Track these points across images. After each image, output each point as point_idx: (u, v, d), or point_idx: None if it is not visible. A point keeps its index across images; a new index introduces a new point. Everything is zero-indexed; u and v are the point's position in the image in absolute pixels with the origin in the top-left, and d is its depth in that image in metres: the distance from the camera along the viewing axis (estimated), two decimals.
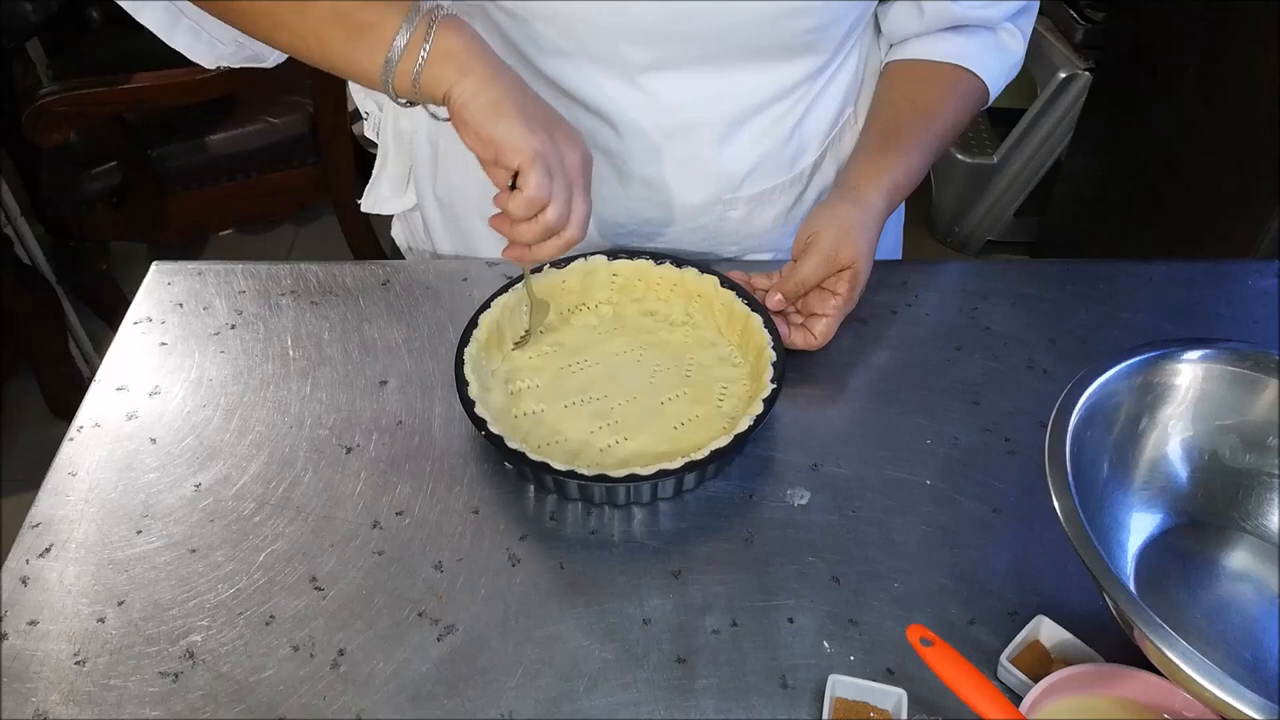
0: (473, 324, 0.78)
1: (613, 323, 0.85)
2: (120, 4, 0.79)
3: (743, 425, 0.70)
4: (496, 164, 0.68)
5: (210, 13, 0.76)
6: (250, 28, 0.73)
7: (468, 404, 0.72)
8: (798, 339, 0.82)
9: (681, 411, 0.77)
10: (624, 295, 0.86)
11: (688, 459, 0.68)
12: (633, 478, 0.67)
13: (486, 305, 0.80)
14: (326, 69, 0.73)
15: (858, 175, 0.85)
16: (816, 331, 0.82)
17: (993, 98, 0.92)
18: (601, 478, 0.67)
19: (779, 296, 0.82)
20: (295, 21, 0.70)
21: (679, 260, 0.84)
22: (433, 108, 0.70)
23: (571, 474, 0.67)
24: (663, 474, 0.68)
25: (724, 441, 0.69)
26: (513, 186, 0.68)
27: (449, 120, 0.69)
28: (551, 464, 0.68)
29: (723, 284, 0.82)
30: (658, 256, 0.85)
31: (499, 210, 0.70)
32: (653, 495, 0.72)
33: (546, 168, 0.67)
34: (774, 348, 0.76)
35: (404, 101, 0.70)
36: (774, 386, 0.73)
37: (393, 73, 0.68)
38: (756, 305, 0.80)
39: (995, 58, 0.90)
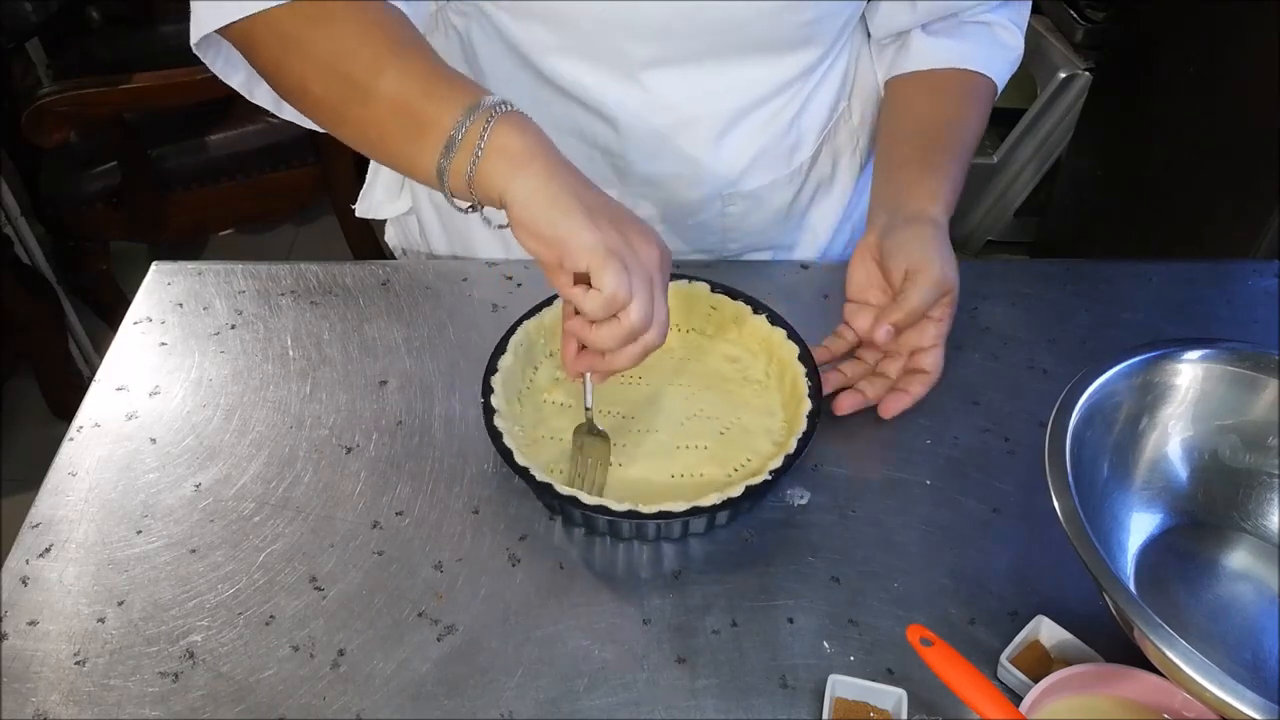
0: (543, 305, 0.78)
1: (692, 351, 0.81)
2: (260, 104, 0.79)
3: (705, 500, 0.66)
4: (561, 267, 0.61)
5: (301, 112, 0.73)
6: (322, 123, 0.70)
7: (487, 391, 0.72)
8: (892, 404, 0.77)
9: (690, 464, 0.73)
10: (719, 333, 0.82)
11: (659, 509, 0.65)
12: (634, 515, 0.65)
13: (542, 307, 0.78)
14: (392, 168, 0.70)
15: (918, 201, 0.81)
16: (927, 365, 0.77)
17: (999, 93, 0.92)
18: (599, 508, 0.65)
19: (888, 328, 0.75)
20: (359, 115, 0.66)
21: (775, 316, 0.79)
22: (489, 212, 0.65)
23: (546, 487, 0.66)
24: (634, 515, 0.65)
25: (679, 506, 0.65)
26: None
27: (506, 226, 0.64)
28: (556, 487, 0.66)
29: (802, 357, 0.76)
30: (757, 305, 0.80)
31: (570, 321, 0.65)
32: (634, 534, 0.70)
33: (621, 263, 0.60)
34: (800, 438, 0.70)
35: (465, 207, 0.65)
36: (766, 478, 0.67)
37: (447, 171, 0.63)
38: (817, 394, 0.73)
39: (997, 54, 0.90)
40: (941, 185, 0.82)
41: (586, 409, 0.72)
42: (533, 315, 0.78)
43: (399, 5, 0.69)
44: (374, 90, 0.64)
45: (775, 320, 0.79)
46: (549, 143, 0.64)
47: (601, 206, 0.62)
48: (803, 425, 0.71)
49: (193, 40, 0.71)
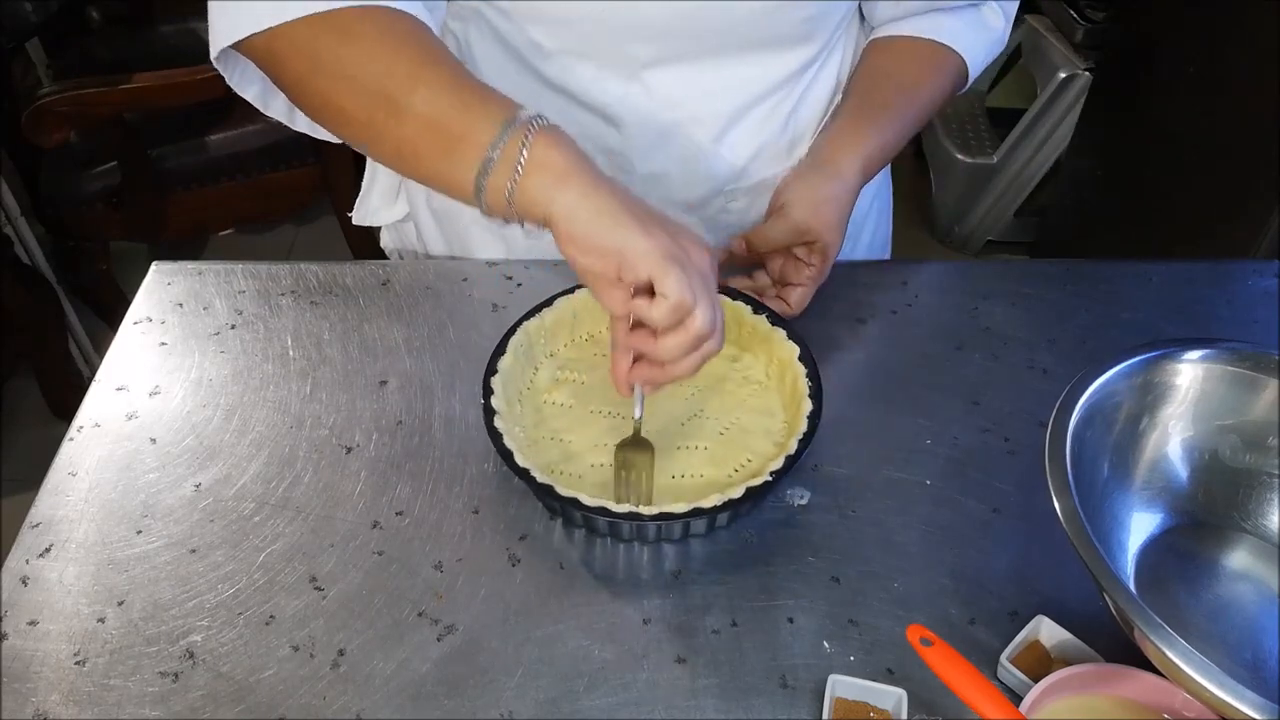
0: (543, 306, 0.78)
1: None
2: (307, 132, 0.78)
3: (706, 501, 0.66)
4: (619, 279, 0.60)
5: (327, 129, 0.71)
6: (351, 139, 0.69)
7: (487, 392, 0.72)
8: (775, 310, 0.81)
9: (690, 465, 0.73)
10: None
11: (660, 510, 0.65)
12: (634, 516, 0.65)
13: (542, 308, 0.78)
14: (427, 185, 0.69)
15: (834, 147, 0.85)
16: (792, 301, 0.83)
17: (973, 75, 0.92)
18: (601, 509, 0.65)
19: (741, 242, 0.83)
20: (393, 131, 0.64)
21: (775, 316, 0.80)
22: (529, 227, 0.64)
23: (548, 489, 0.66)
24: (634, 517, 0.65)
25: (680, 508, 0.65)
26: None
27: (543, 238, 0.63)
28: (557, 489, 0.66)
29: (802, 357, 0.76)
30: (757, 305, 0.80)
31: (620, 340, 0.64)
32: (635, 535, 0.70)
33: (681, 268, 0.59)
34: (800, 439, 0.70)
35: (500, 221, 0.64)
36: (767, 479, 0.67)
37: (485, 188, 0.62)
38: (818, 394, 0.73)
39: (976, 35, 0.90)
40: (868, 140, 0.85)
41: (637, 419, 0.71)
42: (532, 316, 0.78)
43: (419, 14, 0.67)
44: (407, 107, 0.63)
45: (775, 321, 0.79)
46: (586, 156, 0.63)
47: (648, 214, 0.62)
48: (803, 426, 0.71)
49: (212, 53, 0.70)
